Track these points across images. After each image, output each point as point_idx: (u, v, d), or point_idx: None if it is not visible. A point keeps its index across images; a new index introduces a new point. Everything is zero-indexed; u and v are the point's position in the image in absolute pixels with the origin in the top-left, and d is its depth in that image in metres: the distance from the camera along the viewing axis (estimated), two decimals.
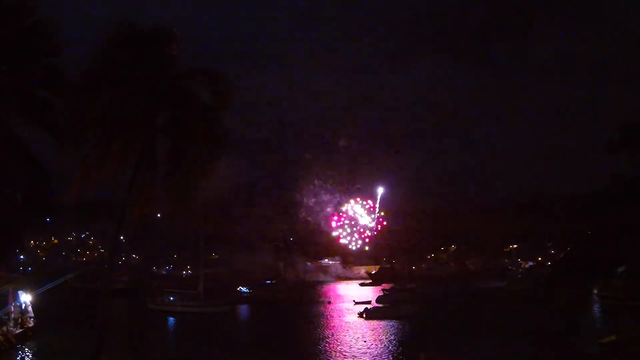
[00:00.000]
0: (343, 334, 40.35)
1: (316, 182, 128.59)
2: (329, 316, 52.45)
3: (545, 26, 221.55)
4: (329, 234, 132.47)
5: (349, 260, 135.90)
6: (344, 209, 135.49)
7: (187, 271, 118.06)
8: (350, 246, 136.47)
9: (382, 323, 45.39)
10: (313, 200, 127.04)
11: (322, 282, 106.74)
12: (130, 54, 15.01)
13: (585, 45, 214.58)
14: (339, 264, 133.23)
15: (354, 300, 61.11)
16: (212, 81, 15.62)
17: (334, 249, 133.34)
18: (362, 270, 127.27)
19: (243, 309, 62.12)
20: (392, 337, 37.39)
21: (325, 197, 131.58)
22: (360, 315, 49.45)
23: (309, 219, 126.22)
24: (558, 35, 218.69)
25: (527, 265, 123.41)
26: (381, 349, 32.68)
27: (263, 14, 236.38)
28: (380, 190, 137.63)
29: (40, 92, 15.49)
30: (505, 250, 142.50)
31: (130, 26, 15.02)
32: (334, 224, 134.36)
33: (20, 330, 34.25)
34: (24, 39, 14.78)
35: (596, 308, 50.92)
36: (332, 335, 39.98)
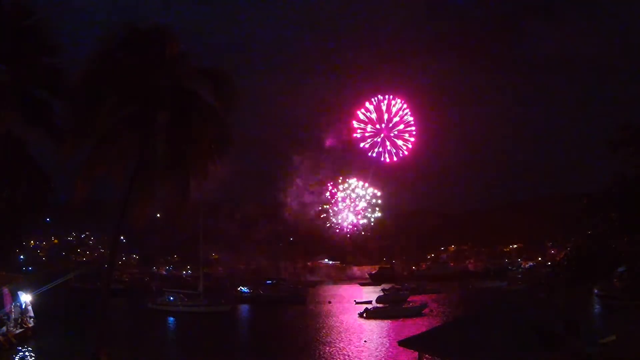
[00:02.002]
0: (343, 333, 40.31)
1: (301, 182, 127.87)
2: (329, 316, 52.42)
3: (538, 25, 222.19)
4: (321, 232, 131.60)
5: (348, 260, 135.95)
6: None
7: (187, 271, 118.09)
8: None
9: (383, 323, 45.38)
10: (298, 200, 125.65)
11: (321, 282, 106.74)
12: (130, 54, 14.98)
13: (581, 43, 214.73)
14: (338, 264, 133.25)
15: (354, 300, 61.14)
16: (215, 82, 15.50)
17: (331, 248, 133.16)
18: (355, 269, 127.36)
19: (243, 309, 62.13)
20: (392, 337, 37.35)
21: (311, 198, 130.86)
22: (361, 315, 49.44)
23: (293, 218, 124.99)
24: (554, 34, 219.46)
25: (527, 265, 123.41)
26: (381, 349, 32.67)
27: (262, 14, 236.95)
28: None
29: (39, 93, 15.47)
30: (505, 250, 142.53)
31: (130, 26, 14.97)
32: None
33: (20, 330, 34.20)
34: (22, 39, 14.76)
35: (596, 308, 50.89)
36: (332, 334, 39.93)
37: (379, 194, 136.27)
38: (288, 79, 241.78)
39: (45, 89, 15.46)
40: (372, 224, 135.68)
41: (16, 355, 31.09)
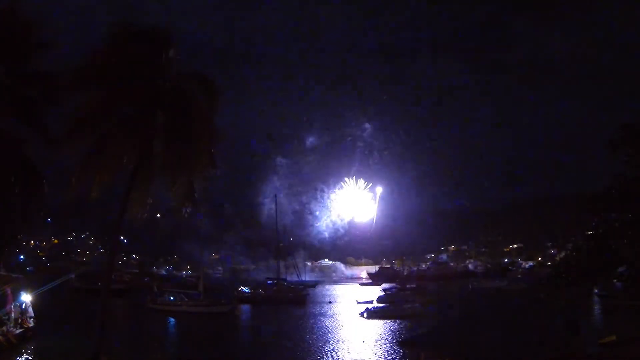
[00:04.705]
0: (343, 333, 40.33)
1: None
2: (329, 316, 52.44)
3: (528, 25, 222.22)
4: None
5: (348, 260, 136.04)
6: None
7: (187, 271, 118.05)
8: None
9: (383, 323, 45.40)
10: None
11: (322, 283, 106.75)
12: (127, 55, 14.98)
13: (574, 42, 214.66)
14: (339, 264, 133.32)
15: (356, 300, 61.20)
16: (202, 84, 15.86)
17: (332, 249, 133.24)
18: (362, 271, 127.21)
19: (244, 309, 62.13)
20: (392, 337, 37.38)
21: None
22: (361, 315, 49.47)
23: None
24: (545, 34, 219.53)
25: (527, 265, 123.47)
26: (381, 349, 32.66)
27: (262, 15, 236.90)
28: (379, 191, 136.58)
29: (31, 94, 15.46)
30: (505, 250, 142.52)
31: (126, 27, 15.01)
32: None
33: (20, 330, 34.19)
34: (13, 40, 14.74)
35: (596, 308, 50.88)
36: (333, 334, 39.95)
37: (371, 194, 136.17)
38: (292, 79, 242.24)
39: (36, 90, 15.48)
40: (371, 224, 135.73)
41: (16, 355, 31.09)
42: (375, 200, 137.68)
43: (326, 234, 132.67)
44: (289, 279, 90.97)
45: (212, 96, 15.92)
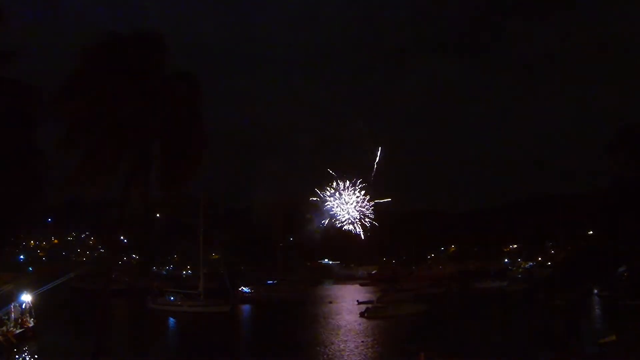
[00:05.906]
0: (343, 333, 40.34)
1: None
2: (330, 316, 52.44)
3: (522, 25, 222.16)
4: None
5: (347, 260, 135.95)
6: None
7: (187, 271, 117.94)
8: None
9: (383, 322, 45.43)
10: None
11: (322, 283, 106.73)
12: (121, 58, 15.01)
13: (568, 41, 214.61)
14: (339, 264, 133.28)
15: (357, 300, 61.20)
16: (189, 84, 15.96)
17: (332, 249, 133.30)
18: (362, 271, 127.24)
19: (244, 309, 62.16)
20: (392, 337, 37.40)
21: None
22: (362, 314, 49.49)
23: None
24: (539, 33, 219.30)
25: (527, 265, 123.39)
26: (381, 349, 32.67)
27: (261, 16, 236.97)
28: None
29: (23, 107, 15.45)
30: (505, 250, 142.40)
31: (116, 32, 15.11)
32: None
33: (20, 330, 34.24)
34: None
35: (596, 308, 50.92)
36: (333, 334, 39.96)
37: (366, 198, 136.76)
38: (292, 79, 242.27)
39: (24, 104, 15.48)
40: (367, 225, 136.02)
41: (16, 355, 31.12)
42: (372, 200, 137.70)
43: (319, 235, 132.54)
44: (288, 279, 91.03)
45: (199, 97, 15.96)
